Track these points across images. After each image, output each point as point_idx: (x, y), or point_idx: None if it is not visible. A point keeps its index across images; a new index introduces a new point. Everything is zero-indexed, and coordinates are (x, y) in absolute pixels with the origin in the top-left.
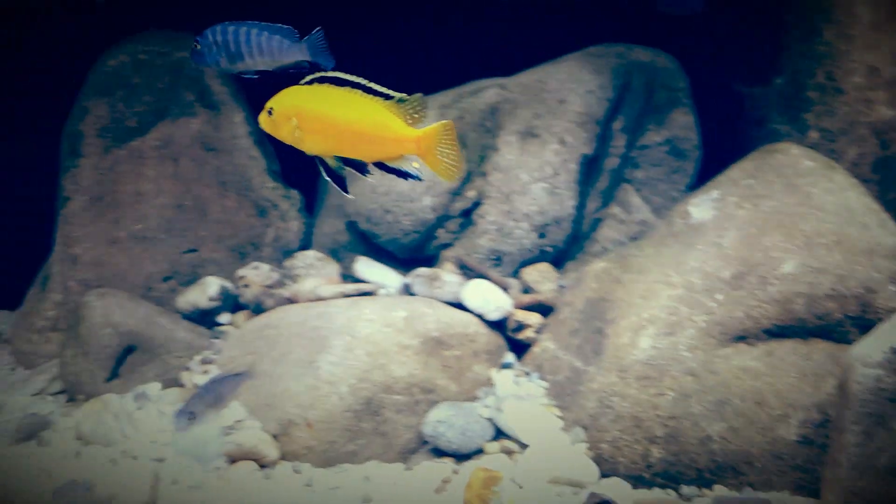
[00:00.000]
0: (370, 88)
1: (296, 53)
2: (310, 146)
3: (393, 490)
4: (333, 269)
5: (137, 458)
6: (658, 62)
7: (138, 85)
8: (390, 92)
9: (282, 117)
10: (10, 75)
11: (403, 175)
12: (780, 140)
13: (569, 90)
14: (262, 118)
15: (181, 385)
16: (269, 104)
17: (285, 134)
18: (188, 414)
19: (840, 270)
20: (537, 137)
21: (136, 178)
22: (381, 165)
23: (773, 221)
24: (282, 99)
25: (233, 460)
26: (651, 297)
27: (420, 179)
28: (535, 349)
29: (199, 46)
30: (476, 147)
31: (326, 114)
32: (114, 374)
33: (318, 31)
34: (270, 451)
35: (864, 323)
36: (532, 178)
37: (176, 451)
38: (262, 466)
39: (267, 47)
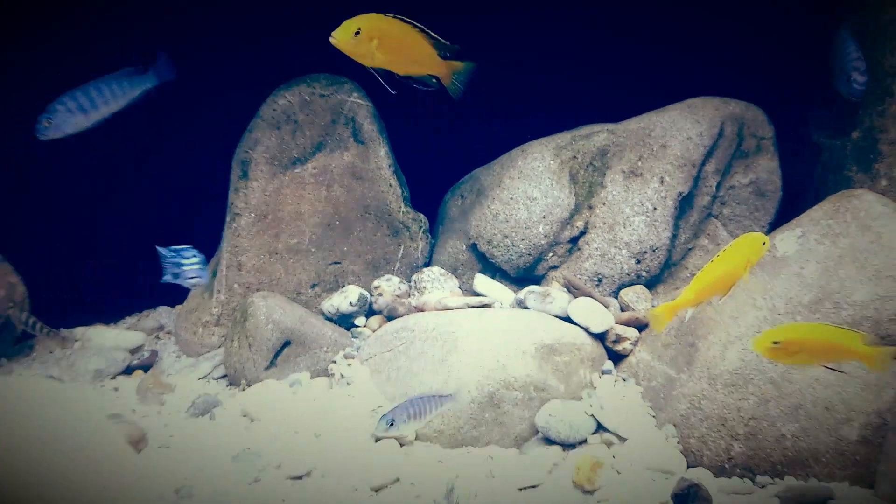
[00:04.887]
0: (423, 29)
1: (144, 85)
2: (377, 61)
3: (512, 469)
4: (454, 283)
5: (298, 433)
6: (748, 114)
7: (303, 121)
8: (436, 37)
9: (366, 36)
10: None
11: (424, 85)
12: (854, 186)
13: (671, 137)
14: (343, 37)
15: (329, 375)
16: (353, 26)
17: (362, 51)
18: (390, 420)
19: None
20: (640, 176)
21: (295, 200)
22: (410, 78)
23: (847, 256)
24: (368, 23)
25: (377, 439)
26: (739, 317)
27: (430, 88)
28: (631, 359)
29: (48, 123)
30: (585, 183)
31: (402, 40)
32: (271, 364)
33: (161, 56)
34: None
35: None
36: (634, 212)
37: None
38: (402, 445)
39: (120, 91)
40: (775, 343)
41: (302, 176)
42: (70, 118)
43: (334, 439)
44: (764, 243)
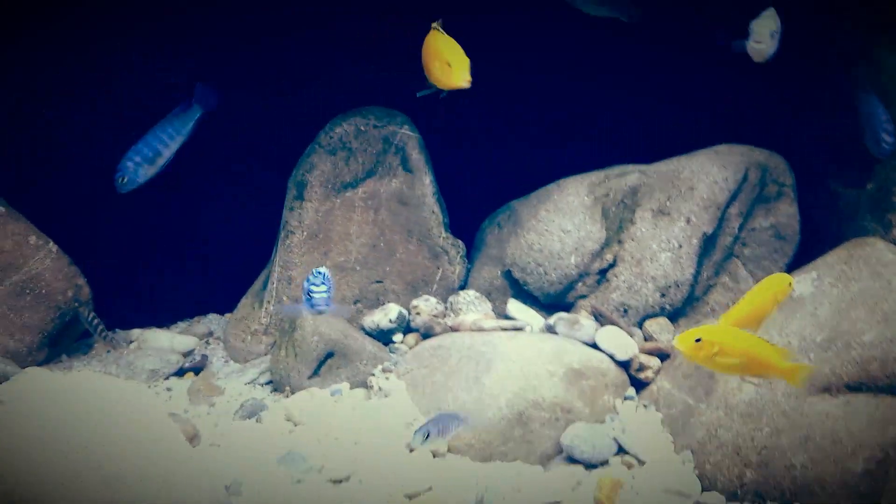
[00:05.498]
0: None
1: (194, 116)
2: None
3: (538, 484)
4: (488, 307)
5: (338, 439)
6: (771, 162)
7: (356, 149)
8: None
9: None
10: None
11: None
12: (868, 235)
13: (698, 180)
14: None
15: (368, 387)
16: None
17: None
18: (425, 433)
19: None
20: (668, 215)
21: (345, 221)
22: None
23: (859, 300)
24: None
25: (412, 449)
26: None
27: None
28: (653, 387)
29: (124, 180)
30: (616, 219)
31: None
32: (315, 373)
33: (197, 86)
34: (442, 445)
35: None
36: (660, 248)
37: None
38: (435, 456)
39: (175, 132)
40: (697, 340)
41: (352, 199)
42: (139, 170)
43: (372, 447)
44: (790, 283)
